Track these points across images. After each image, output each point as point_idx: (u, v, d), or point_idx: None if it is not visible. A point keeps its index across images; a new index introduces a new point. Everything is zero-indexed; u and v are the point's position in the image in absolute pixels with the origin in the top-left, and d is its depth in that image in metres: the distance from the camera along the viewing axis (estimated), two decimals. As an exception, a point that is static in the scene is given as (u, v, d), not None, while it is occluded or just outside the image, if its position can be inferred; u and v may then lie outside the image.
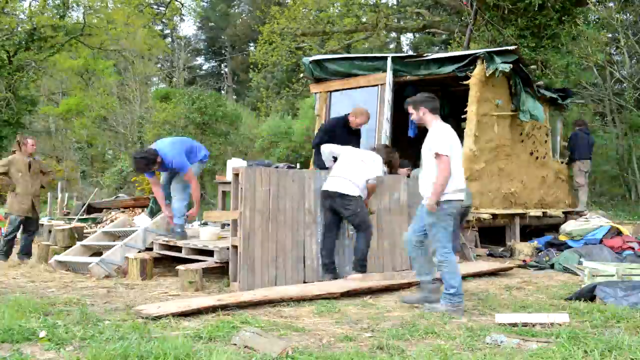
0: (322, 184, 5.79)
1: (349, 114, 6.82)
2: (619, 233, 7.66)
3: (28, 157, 7.48)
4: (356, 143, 6.72)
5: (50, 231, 8.70)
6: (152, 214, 8.40)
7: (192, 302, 4.34)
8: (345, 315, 4.31)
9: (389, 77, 8.30)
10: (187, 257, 6.02)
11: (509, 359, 3.15)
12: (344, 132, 6.67)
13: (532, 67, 10.59)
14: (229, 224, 6.05)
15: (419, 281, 5.60)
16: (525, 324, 3.90)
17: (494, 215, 8.06)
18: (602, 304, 4.54)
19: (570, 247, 7.51)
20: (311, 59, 9.49)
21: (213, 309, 4.28)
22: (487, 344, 3.46)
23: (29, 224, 7.56)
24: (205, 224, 8.50)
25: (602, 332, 3.67)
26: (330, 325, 4.02)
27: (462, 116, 8.19)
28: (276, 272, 5.41)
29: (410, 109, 4.66)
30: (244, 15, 37.39)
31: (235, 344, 3.32)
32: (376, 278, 5.52)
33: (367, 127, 8.07)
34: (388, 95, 8.32)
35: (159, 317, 3.98)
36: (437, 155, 4.38)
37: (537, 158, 9.47)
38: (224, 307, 4.36)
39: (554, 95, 9.96)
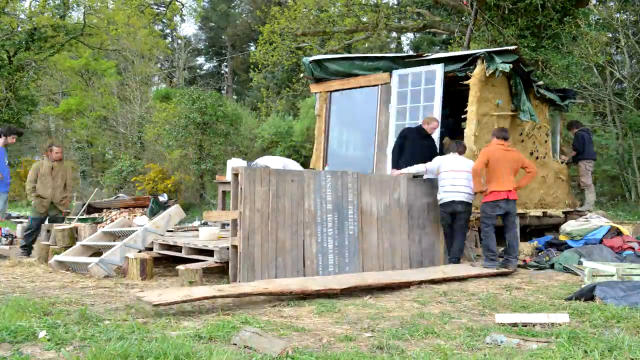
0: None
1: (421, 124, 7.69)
2: (619, 233, 7.66)
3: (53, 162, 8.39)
4: (429, 145, 7.65)
5: (49, 231, 8.69)
6: (153, 214, 8.39)
7: (194, 292, 4.36)
8: (345, 315, 4.30)
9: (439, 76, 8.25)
10: (187, 257, 6.03)
11: (509, 359, 3.15)
12: (417, 137, 7.57)
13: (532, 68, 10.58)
14: (228, 224, 6.05)
15: (419, 280, 5.64)
16: (525, 324, 3.90)
17: (494, 215, 8.04)
18: (602, 304, 4.54)
19: (570, 247, 7.50)
20: (311, 59, 9.48)
21: (213, 299, 4.33)
22: (487, 344, 3.46)
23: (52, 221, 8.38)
24: (205, 223, 8.50)
25: (602, 332, 3.67)
26: (330, 325, 4.02)
27: (462, 116, 8.18)
28: (276, 272, 5.41)
29: None
30: (244, 15, 37.38)
31: (235, 344, 3.32)
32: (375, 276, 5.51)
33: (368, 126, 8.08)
34: (392, 97, 8.30)
35: (159, 305, 4.00)
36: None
37: (537, 158, 9.46)
38: (225, 297, 4.38)
39: (554, 96, 9.95)
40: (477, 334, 3.67)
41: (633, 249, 7.09)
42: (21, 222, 12.02)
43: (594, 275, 5.54)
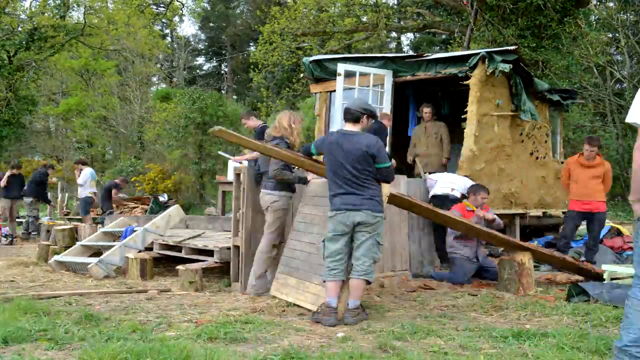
0: None
1: (379, 121, 7.49)
2: (619, 233, 7.65)
3: None
4: None
5: (49, 231, 8.69)
6: (153, 214, 8.39)
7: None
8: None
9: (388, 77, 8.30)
10: (187, 257, 6.02)
11: (509, 359, 3.15)
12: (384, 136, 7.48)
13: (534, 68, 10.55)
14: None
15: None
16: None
17: (494, 216, 8.03)
18: (602, 304, 4.54)
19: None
20: (311, 59, 9.47)
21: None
22: (488, 344, 3.45)
23: None
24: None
25: (602, 332, 3.67)
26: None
27: (462, 116, 8.17)
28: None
29: None
30: (244, 15, 37.37)
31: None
32: None
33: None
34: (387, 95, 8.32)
35: None
36: None
37: (537, 158, 9.45)
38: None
39: (555, 96, 9.94)
40: (478, 334, 3.67)
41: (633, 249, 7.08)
42: (21, 222, 12.01)
43: (612, 278, 5.41)
